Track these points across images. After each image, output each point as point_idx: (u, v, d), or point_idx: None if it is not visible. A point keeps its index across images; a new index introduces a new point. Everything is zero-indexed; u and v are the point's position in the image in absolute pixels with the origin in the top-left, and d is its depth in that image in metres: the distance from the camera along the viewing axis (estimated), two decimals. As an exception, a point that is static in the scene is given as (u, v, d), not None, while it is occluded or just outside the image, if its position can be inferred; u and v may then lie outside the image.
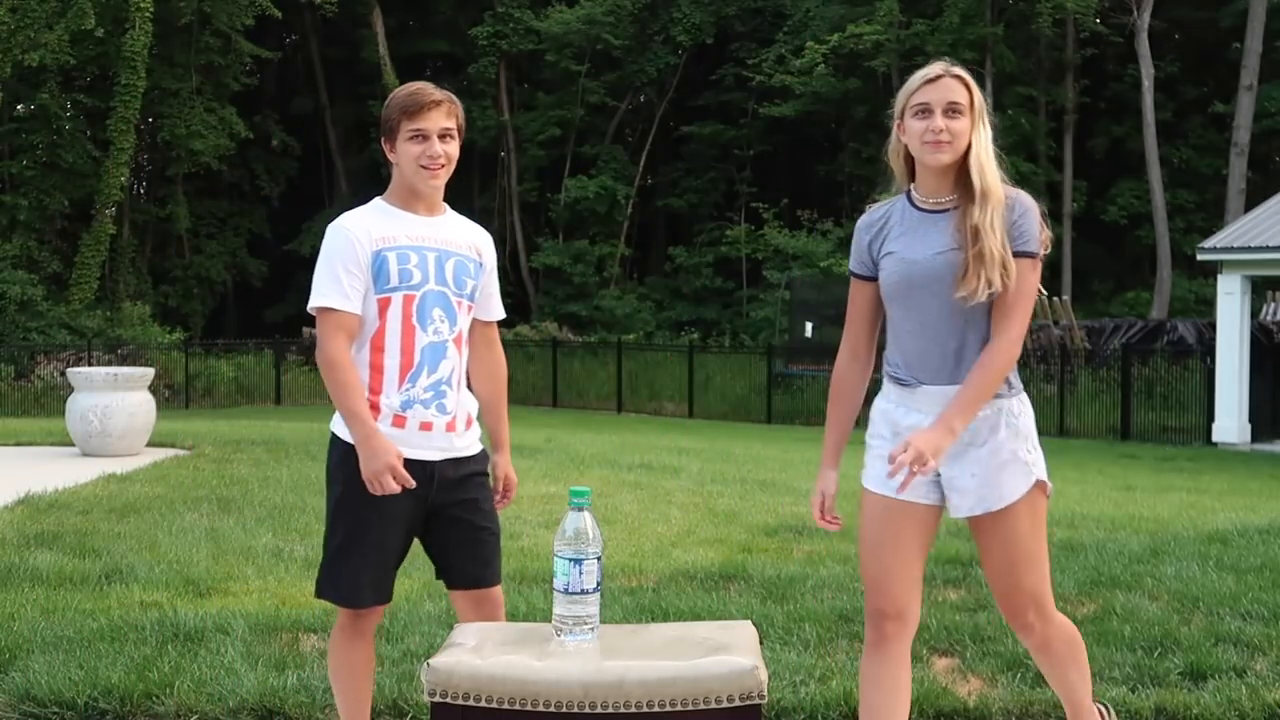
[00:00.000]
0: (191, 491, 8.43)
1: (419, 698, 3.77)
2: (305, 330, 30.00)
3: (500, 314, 3.35)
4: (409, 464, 3.00)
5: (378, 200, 3.18)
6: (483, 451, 3.24)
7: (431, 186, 3.11)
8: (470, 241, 3.21)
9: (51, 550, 6.27)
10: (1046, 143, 29.71)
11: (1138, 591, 5.17)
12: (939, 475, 2.96)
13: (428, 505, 3.10)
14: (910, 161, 2.97)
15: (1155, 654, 4.27)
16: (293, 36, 38.10)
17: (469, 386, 3.25)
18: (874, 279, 3.00)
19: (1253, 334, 18.56)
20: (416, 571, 5.70)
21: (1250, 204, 24.18)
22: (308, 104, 36.51)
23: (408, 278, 3.05)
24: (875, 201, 3.09)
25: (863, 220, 3.05)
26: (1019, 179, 3.23)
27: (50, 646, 4.34)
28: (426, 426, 3.06)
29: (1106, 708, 3.30)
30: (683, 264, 33.76)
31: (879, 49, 29.09)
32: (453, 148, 3.10)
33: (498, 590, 3.19)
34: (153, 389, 12.23)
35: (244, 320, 34.71)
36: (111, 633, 4.50)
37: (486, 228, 3.36)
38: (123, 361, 24.31)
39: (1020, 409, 2.96)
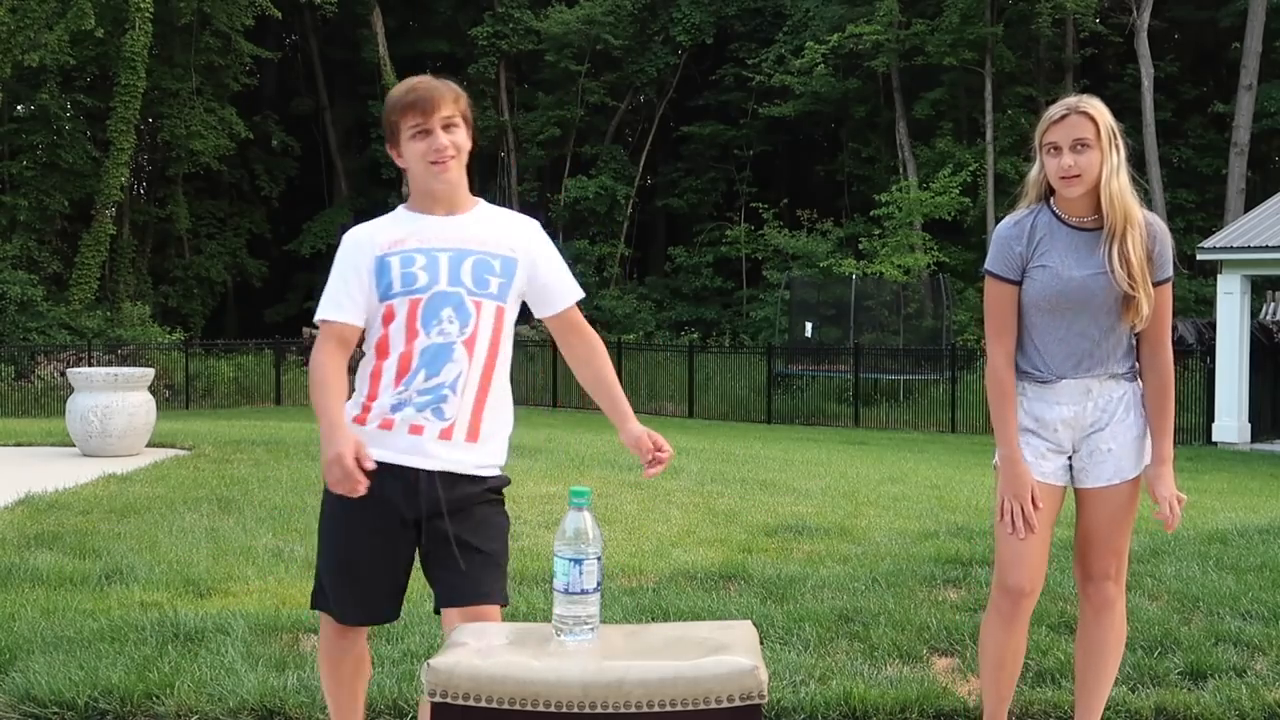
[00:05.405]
0: (191, 491, 8.43)
1: (419, 697, 3.77)
2: (305, 330, 30.01)
3: (572, 297, 3.04)
4: (393, 470, 2.82)
5: (400, 207, 3.01)
6: (495, 478, 2.94)
7: (445, 181, 2.91)
8: (500, 236, 2.97)
9: (52, 550, 6.27)
10: (1046, 143, 29.65)
11: (1138, 591, 5.16)
12: (1071, 456, 3.27)
13: (418, 523, 2.86)
14: (1049, 185, 3.23)
15: (1155, 654, 4.27)
16: (293, 36, 38.12)
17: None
18: (1018, 283, 3.22)
19: (1253, 334, 18.56)
20: (416, 571, 5.70)
21: (1250, 204, 24.18)
22: (308, 104, 36.54)
23: (411, 281, 2.87)
24: (1012, 210, 3.34)
25: (1007, 229, 3.26)
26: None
27: (50, 647, 4.34)
28: (416, 430, 2.84)
29: None
30: (683, 264, 33.77)
31: (879, 49, 29.09)
32: (459, 136, 2.91)
33: (488, 610, 2.85)
34: (153, 389, 12.23)
35: (244, 320, 34.74)
36: (111, 633, 4.50)
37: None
38: (123, 362, 24.32)
39: (1139, 391, 3.29)
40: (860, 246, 27.94)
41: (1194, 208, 29.14)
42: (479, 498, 2.90)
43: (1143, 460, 3.28)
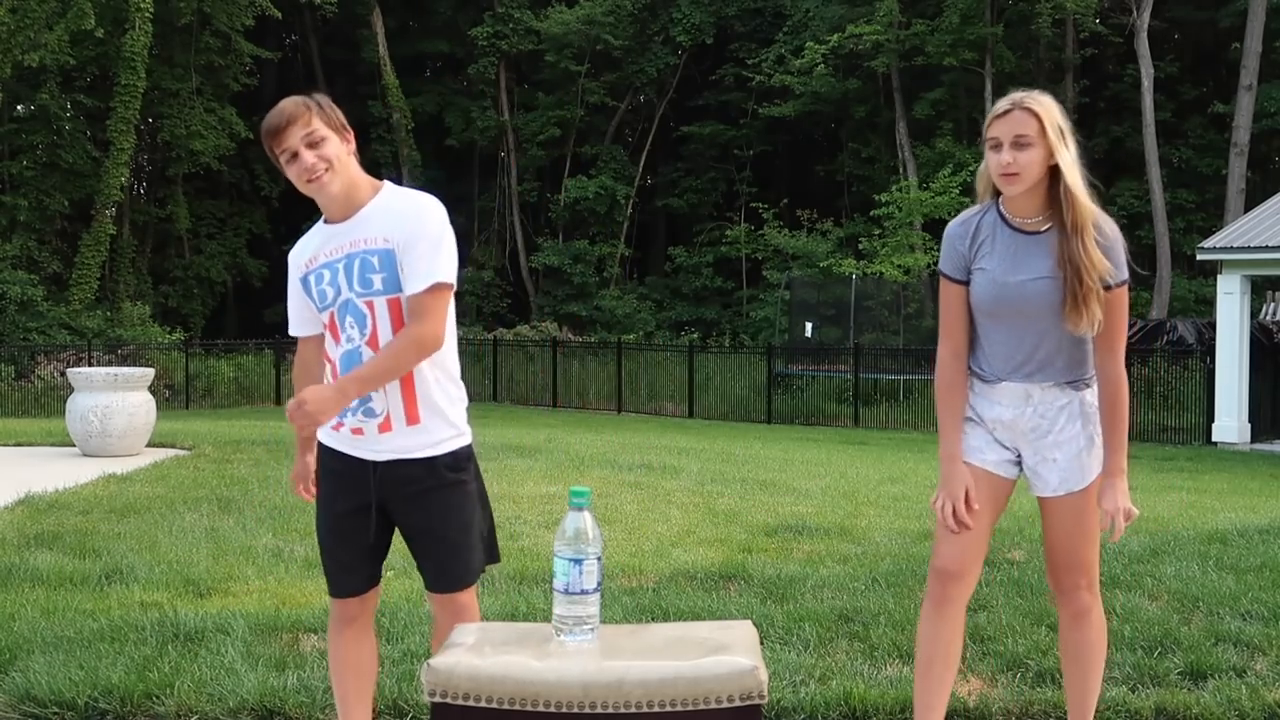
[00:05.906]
0: (191, 491, 8.43)
1: (419, 698, 3.77)
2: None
3: (418, 284, 2.94)
4: (349, 459, 3.07)
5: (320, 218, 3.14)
6: (449, 454, 3.04)
7: (328, 196, 3.00)
8: (379, 229, 2.98)
9: (52, 550, 6.28)
10: (1046, 143, 29.65)
11: (1138, 591, 5.17)
12: (1019, 455, 3.21)
13: (382, 509, 3.07)
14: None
15: (1155, 654, 4.27)
16: (293, 36, 38.13)
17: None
18: (965, 283, 3.18)
19: (1253, 334, 18.55)
20: (416, 571, 5.70)
21: (1250, 204, 24.18)
22: (308, 104, 36.53)
23: (324, 298, 3.05)
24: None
25: (955, 228, 3.22)
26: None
27: (50, 647, 4.34)
28: (357, 431, 3.04)
29: None
30: (682, 264, 33.79)
31: (879, 49, 29.10)
32: (327, 148, 2.95)
33: (452, 598, 3.07)
34: (153, 389, 12.23)
35: (244, 320, 34.73)
36: (112, 633, 4.50)
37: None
38: (123, 362, 24.31)
39: (1093, 398, 3.19)
40: (860, 246, 27.94)
41: (1194, 208, 29.14)
42: (433, 481, 3.03)
43: (1093, 472, 3.16)
